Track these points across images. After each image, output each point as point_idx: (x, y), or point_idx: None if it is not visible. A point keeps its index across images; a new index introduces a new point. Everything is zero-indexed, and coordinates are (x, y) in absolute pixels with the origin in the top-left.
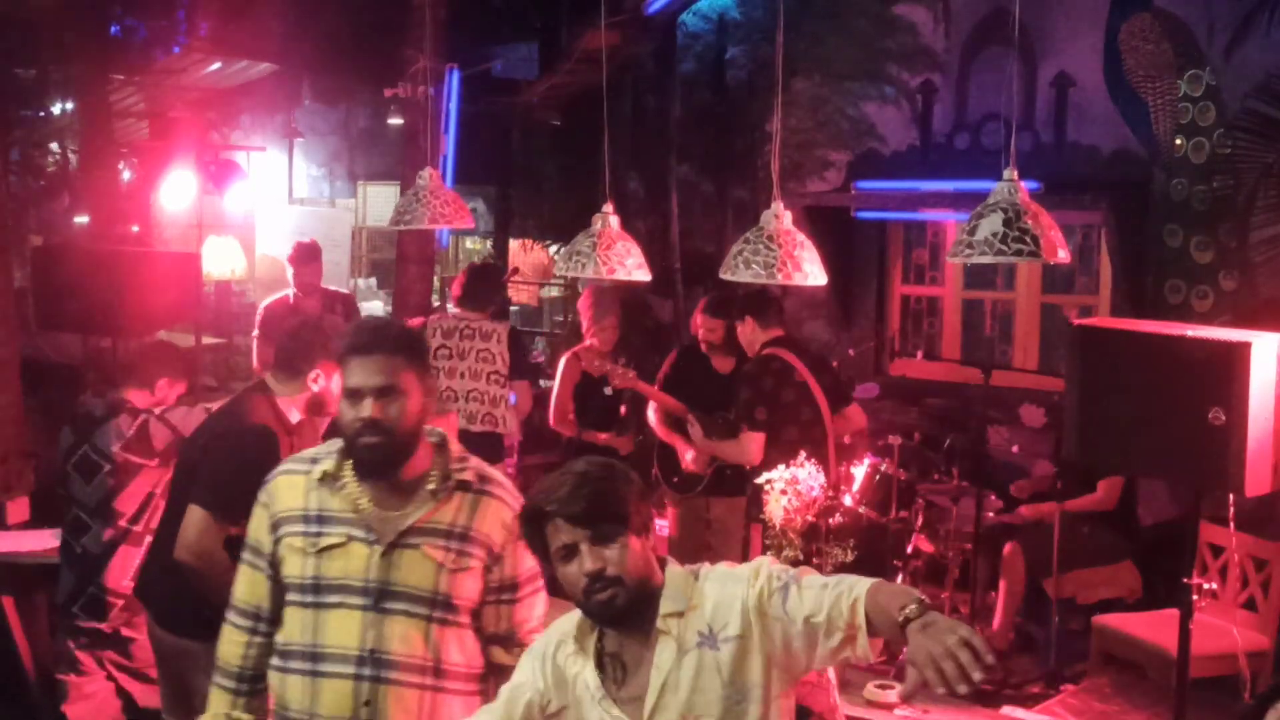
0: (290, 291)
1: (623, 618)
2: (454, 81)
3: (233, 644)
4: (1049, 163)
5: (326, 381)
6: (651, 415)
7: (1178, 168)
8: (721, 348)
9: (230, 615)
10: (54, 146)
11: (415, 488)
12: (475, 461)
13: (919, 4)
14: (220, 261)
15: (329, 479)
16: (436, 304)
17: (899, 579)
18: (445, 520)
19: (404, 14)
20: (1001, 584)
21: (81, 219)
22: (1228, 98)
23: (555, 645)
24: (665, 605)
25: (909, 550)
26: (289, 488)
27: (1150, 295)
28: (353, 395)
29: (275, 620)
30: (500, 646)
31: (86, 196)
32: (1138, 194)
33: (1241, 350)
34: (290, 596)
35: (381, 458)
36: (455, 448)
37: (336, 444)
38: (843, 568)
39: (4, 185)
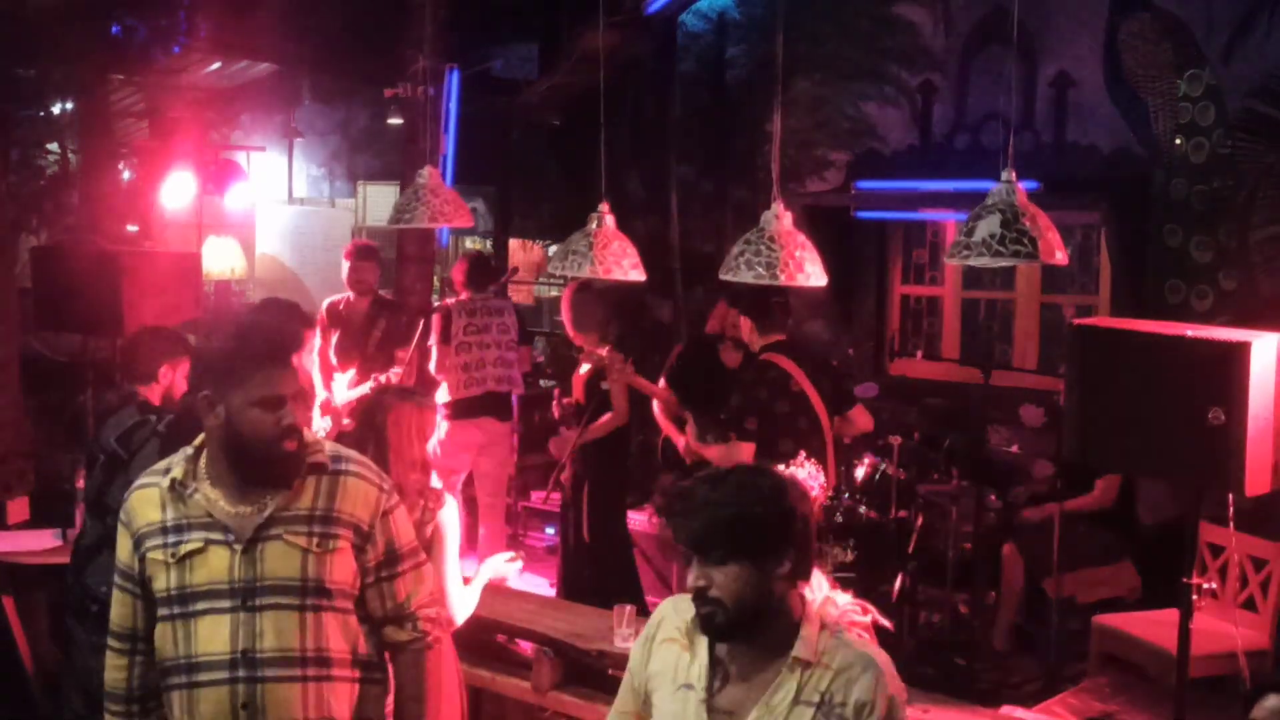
0: (349, 295)
1: (725, 636)
2: (454, 81)
3: (115, 669)
4: (1049, 163)
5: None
6: (656, 407)
7: (1177, 168)
8: (733, 342)
9: (109, 641)
10: (54, 146)
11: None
12: (330, 444)
13: (919, 4)
14: (220, 261)
15: (179, 486)
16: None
17: (899, 579)
18: (304, 505)
19: (404, 14)
20: (1002, 584)
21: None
22: (1228, 98)
23: (658, 625)
24: (799, 648)
25: (909, 550)
26: (145, 502)
27: (1150, 295)
28: (273, 403)
29: (151, 639)
30: (393, 625)
31: (86, 196)
32: (1138, 194)
33: (1241, 350)
34: (160, 612)
35: (298, 464)
36: (305, 434)
37: (186, 452)
38: (843, 567)
39: (4, 185)
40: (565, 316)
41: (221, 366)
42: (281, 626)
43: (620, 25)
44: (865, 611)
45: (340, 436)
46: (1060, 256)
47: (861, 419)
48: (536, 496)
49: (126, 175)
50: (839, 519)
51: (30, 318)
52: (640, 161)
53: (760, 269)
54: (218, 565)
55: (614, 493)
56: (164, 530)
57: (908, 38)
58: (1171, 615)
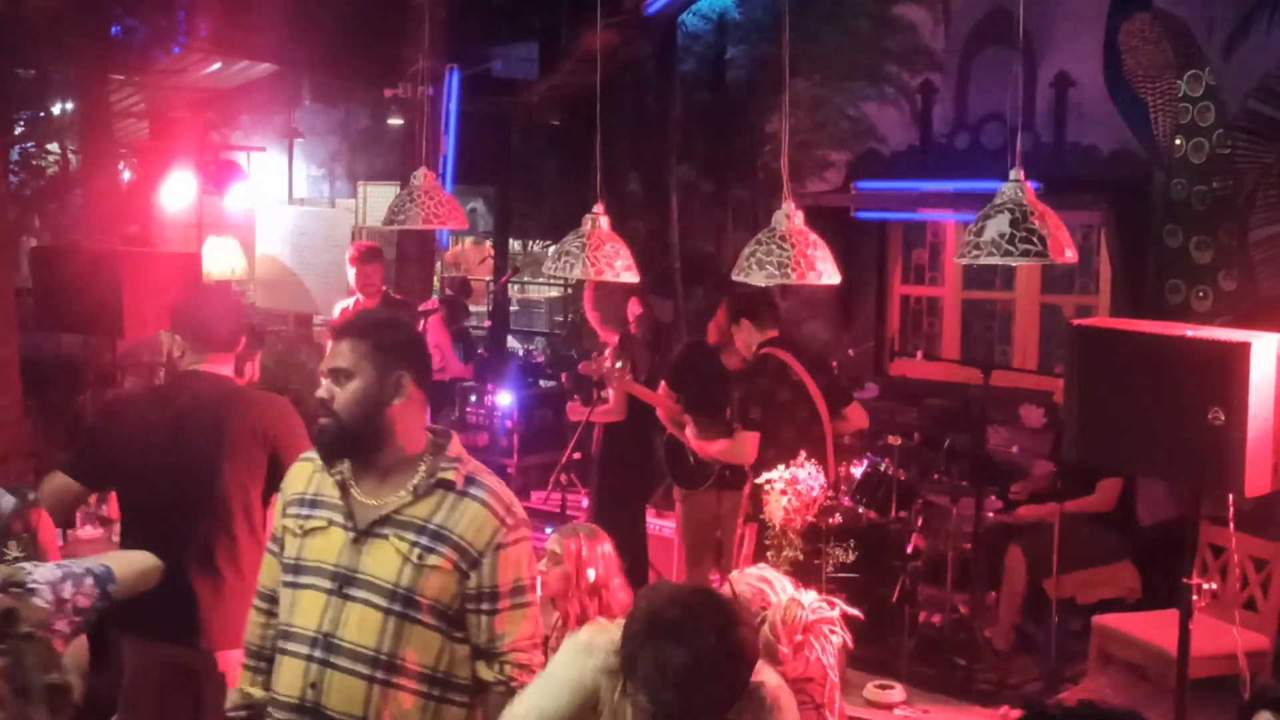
0: (357, 298)
1: None
2: (454, 81)
3: (253, 624)
4: (1049, 163)
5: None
6: (659, 411)
7: (1178, 168)
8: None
9: (255, 599)
10: (54, 146)
11: (400, 480)
12: (472, 465)
13: (919, 4)
14: (220, 261)
15: (325, 465)
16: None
17: (899, 579)
18: (420, 515)
19: (404, 14)
20: (1004, 586)
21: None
22: (1227, 98)
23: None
24: None
25: (909, 550)
26: (298, 474)
27: (1150, 295)
28: (321, 377)
29: None
30: (482, 660)
31: (86, 196)
32: (1138, 194)
33: (1241, 350)
34: (282, 578)
35: (329, 439)
36: (454, 448)
37: None
38: (843, 567)
39: (4, 185)
40: (588, 310)
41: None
42: (364, 622)
43: (620, 25)
44: (833, 606)
45: None
46: (1070, 255)
47: (857, 416)
48: (536, 496)
49: (126, 175)
50: (839, 519)
51: (30, 318)
52: (640, 161)
53: (772, 268)
54: (331, 546)
55: (633, 488)
56: (302, 502)
57: (908, 38)
58: (1171, 616)
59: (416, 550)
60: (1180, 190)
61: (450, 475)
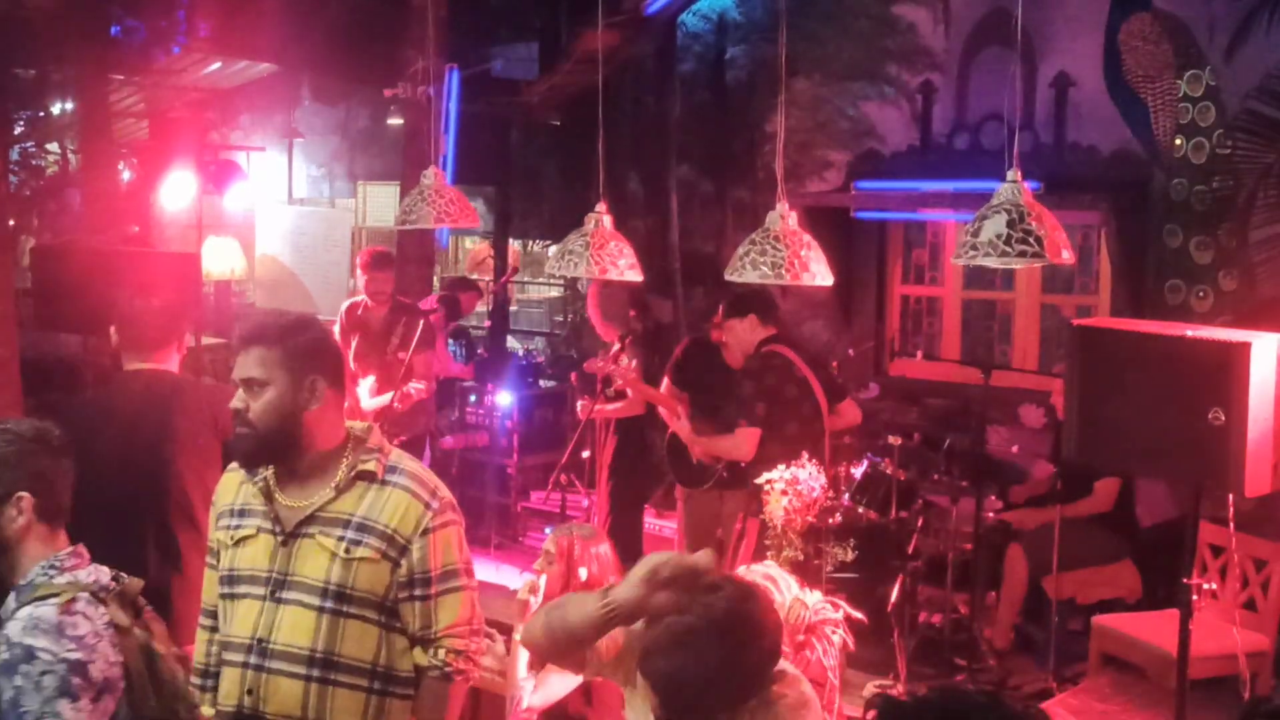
0: (361, 298)
1: None
2: (454, 81)
3: (200, 643)
4: (1049, 163)
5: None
6: (661, 411)
7: (1178, 168)
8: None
9: (200, 618)
10: (54, 146)
11: (322, 479)
12: (393, 455)
13: (919, 4)
14: (220, 261)
15: (250, 473)
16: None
17: (899, 579)
18: (345, 510)
19: (404, 14)
20: (1004, 585)
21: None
22: (1228, 98)
23: None
24: None
25: (909, 550)
26: (226, 485)
27: (1150, 295)
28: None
29: None
30: (419, 646)
31: (86, 196)
32: (1138, 194)
33: (1241, 350)
34: (219, 590)
35: (245, 448)
36: (374, 439)
37: None
38: (843, 567)
39: (4, 185)
40: (592, 310)
41: None
42: (297, 623)
43: (620, 25)
44: (836, 608)
45: None
46: (1067, 256)
47: (851, 412)
48: (536, 497)
49: (126, 175)
50: (839, 519)
51: (30, 318)
52: (640, 161)
53: (765, 269)
54: (261, 553)
55: (639, 489)
56: (231, 513)
57: (908, 38)
58: (1171, 616)
59: (344, 544)
60: (1180, 190)
61: (370, 466)
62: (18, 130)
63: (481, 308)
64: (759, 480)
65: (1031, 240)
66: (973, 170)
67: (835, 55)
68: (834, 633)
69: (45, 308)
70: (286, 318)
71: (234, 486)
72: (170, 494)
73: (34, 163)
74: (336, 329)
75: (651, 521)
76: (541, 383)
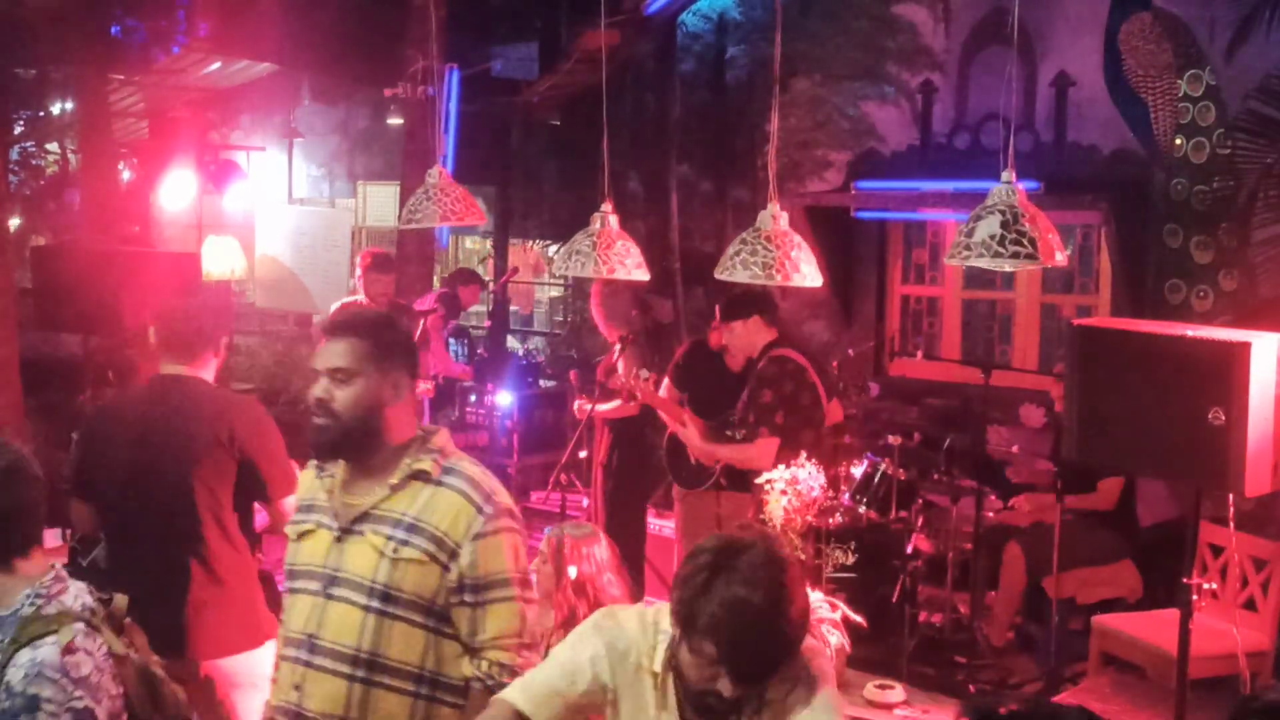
0: (360, 298)
1: None
2: (454, 81)
3: None
4: (1049, 163)
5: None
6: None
7: (1178, 168)
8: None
9: None
10: (54, 146)
11: (382, 476)
12: (453, 456)
13: (919, 4)
14: (220, 261)
15: (319, 468)
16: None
17: (899, 579)
18: (397, 509)
19: (404, 14)
20: (1001, 584)
21: (82, 219)
22: (1228, 98)
23: (636, 654)
24: None
25: (909, 550)
26: (304, 479)
27: (1150, 295)
28: (313, 376)
29: None
30: (468, 654)
31: (86, 196)
32: (1138, 194)
33: (1241, 350)
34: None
35: (327, 440)
36: (438, 440)
37: None
38: (843, 567)
39: (4, 185)
40: (595, 311)
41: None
42: (344, 621)
43: (620, 25)
44: (835, 608)
45: None
46: (1060, 258)
47: (835, 411)
48: (537, 497)
49: (126, 175)
50: (839, 519)
51: (30, 318)
52: (640, 161)
53: (756, 268)
54: (318, 549)
55: (638, 488)
56: (301, 508)
57: (908, 38)
58: (1171, 615)
59: (392, 544)
60: (1180, 190)
61: (425, 465)
62: (18, 130)
63: (481, 307)
64: (758, 481)
65: (1025, 242)
66: (973, 170)
67: (835, 55)
68: (831, 633)
69: (45, 308)
70: (373, 311)
71: (309, 480)
72: (184, 506)
73: (34, 163)
74: None
75: (652, 521)
76: (541, 383)
